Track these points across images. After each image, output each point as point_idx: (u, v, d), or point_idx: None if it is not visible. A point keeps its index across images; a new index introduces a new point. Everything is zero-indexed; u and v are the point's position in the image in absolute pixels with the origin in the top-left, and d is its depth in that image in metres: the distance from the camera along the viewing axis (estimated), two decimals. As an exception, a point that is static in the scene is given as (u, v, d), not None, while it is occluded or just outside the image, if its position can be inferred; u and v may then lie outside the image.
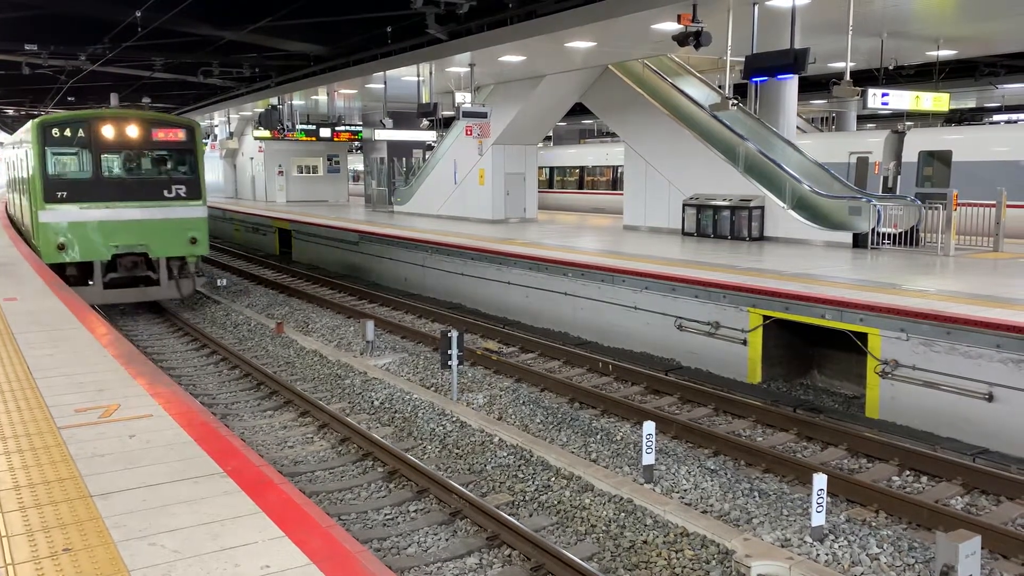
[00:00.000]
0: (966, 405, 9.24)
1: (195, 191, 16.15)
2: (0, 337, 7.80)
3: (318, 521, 3.86)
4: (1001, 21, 15.41)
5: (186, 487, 4.26)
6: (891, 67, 21.17)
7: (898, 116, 29.01)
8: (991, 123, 34.30)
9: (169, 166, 16.08)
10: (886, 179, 22.23)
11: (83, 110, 15.85)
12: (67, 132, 15.04)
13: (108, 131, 15.29)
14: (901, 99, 15.64)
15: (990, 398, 9.03)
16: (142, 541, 3.65)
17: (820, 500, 6.63)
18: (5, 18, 19.50)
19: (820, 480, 6.63)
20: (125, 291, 15.75)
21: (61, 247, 14.94)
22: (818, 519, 6.66)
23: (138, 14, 18.25)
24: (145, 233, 15.61)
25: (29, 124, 15.79)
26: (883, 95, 15.40)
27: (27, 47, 22.18)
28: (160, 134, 15.79)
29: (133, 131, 15.51)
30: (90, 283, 15.38)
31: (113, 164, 15.49)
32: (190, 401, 5.82)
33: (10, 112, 45.17)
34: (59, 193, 14.93)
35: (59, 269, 14.43)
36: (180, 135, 15.97)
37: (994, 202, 15.91)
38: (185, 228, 16.00)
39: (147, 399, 5.81)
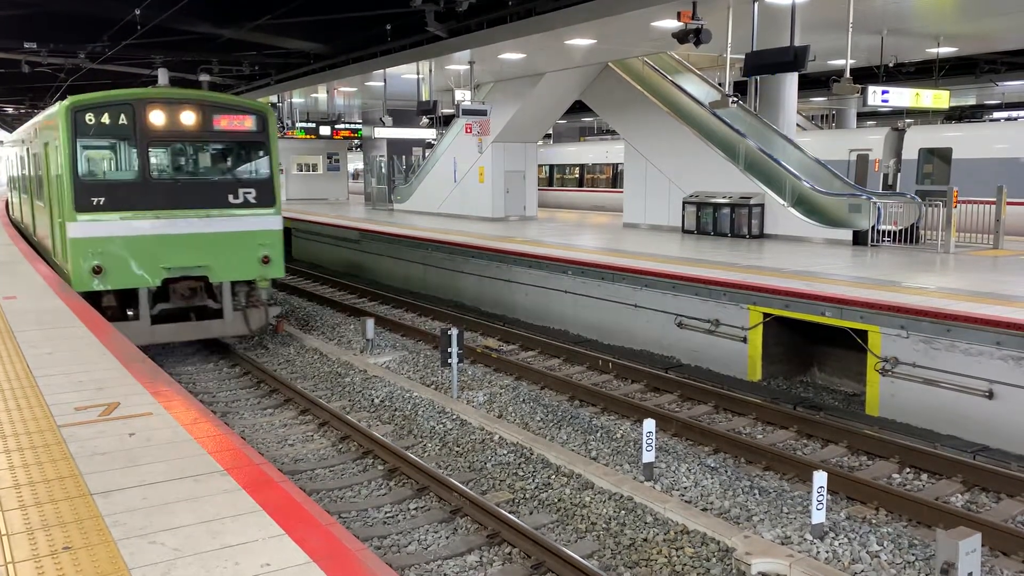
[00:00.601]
0: (966, 402, 9.24)
1: (268, 196, 12.75)
2: (0, 336, 7.79)
3: (318, 519, 3.86)
4: (1001, 18, 15.39)
5: (186, 485, 4.25)
6: (891, 64, 21.16)
7: (898, 113, 28.99)
8: (991, 120, 34.28)
9: (235, 164, 12.83)
10: (886, 176, 22.22)
11: (123, 89, 12.05)
12: (105, 118, 11.57)
13: (158, 117, 11.83)
14: (901, 96, 15.63)
15: (990, 395, 9.02)
16: (142, 539, 3.65)
17: (820, 498, 6.63)
18: (4, 16, 19.47)
19: (820, 478, 6.63)
20: (179, 327, 12.33)
21: (97, 270, 11.50)
22: (818, 517, 6.66)
23: (137, 12, 18.21)
24: (205, 251, 12.18)
25: (54, 108, 12.19)
26: (883, 92, 15.39)
27: (26, 45, 22.15)
28: (224, 122, 12.37)
29: (190, 118, 12.05)
30: (129, 312, 12.13)
31: (164, 161, 12.21)
32: (190, 399, 5.82)
33: (9, 110, 45.14)
34: (94, 199, 11.50)
35: (93, 298, 11.29)
36: (249, 123, 12.62)
37: (994, 199, 15.90)
38: (255, 243, 12.58)
39: (147, 397, 5.81)
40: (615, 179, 31.53)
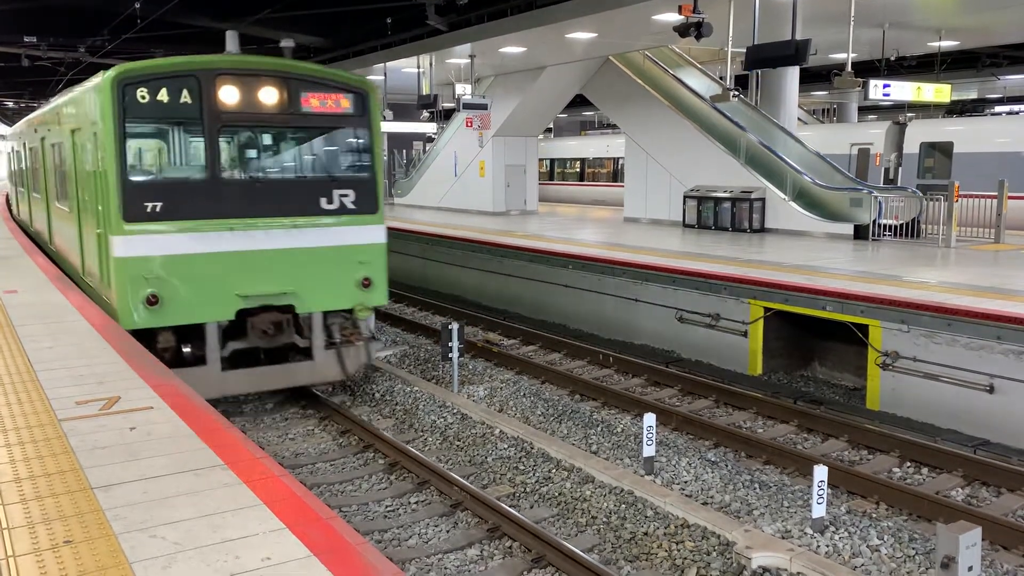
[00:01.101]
0: (967, 397, 9.24)
1: (369, 199, 10.00)
2: (0, 330, 7.80)
3: (319, 513, 3.86)
4: (1003, 11, 15.35)
5: (187, 479, 4.25)
6: (892, 58, 21.11)
7: (899, 107, 28.94)
8: (993, 114, 34.21)
9: (329, 157, 9.98)
10: (887, 170, 22.19)
11: (181, 57, 9.06)
12: (163, 95, 8.76)
13: (231, 94, 9.03)
14: (902, 90, 15.59)
15: (991, 390, 9.02)
16: (143, 533, 3.65)
17: (821, 492, 6.63)
18: (4, 9, 19.44)
19: (821, 472, 6.63)
20: (258, 374, 9.55)
21: (152, 301, 8.78)
22: (819, 511, 6.66)
23: (137, 5, 18.17)
24: (291, 273, 9.47)
25: (91, 84, 9.39)
26: (884, 86, 15.36)
27: (26, 39, 22.12)
28: (315, 101, 9.56)
29: (272, 95, 9.27)
30: (185, 348, 9.18)
31: (239, 153, 9.38)
32: (191, 393, 5.82)
33: (10, 104, 45.11)
34: (148, 205, 8.75)
35: (146, 337, 8.53)
36: (346, 103, 9.77)
37: (995, 194, 15.88)
38: (354, 262, 9.85)
39: (147, 391, 5.81)
40: (616, 173, 31.51)
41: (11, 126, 39.64)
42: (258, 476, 4.29)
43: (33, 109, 28.41)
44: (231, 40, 10.54)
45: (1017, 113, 34.47)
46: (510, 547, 6.72)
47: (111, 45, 22.76)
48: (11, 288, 10.28)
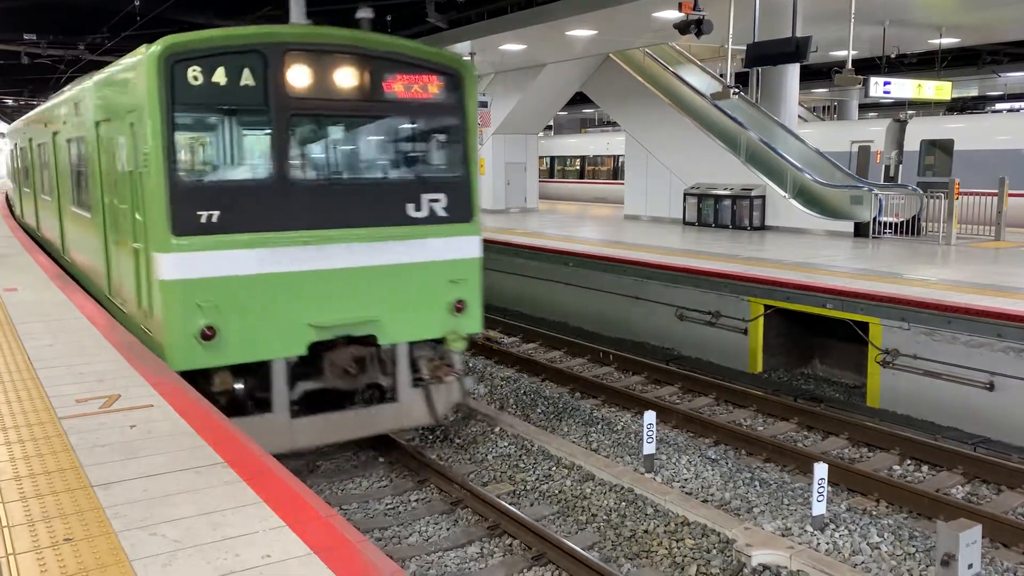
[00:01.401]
0: (967, 394, 9.23)
1: (463, 204, 8.27)
2: (0, 327, 7.80)
3: (319, 511, 3.86)
4: (1004, 8, 15.33)
5: (187, 477, 4.25)
6: (893, 55, 21.09)
7: (900, 105, 28.92)
8: (993, 112, 34.19)
9: (417, 153, 8.29)
10: (888, 168, 22.19)
11: (239, 28, 7.34)
12: (220, 76, 7.01)
13: (302, 75, 7.30)
14: (903, 87, 15.60)
15: (991, 387, 9.02)
16: (143, 531, 3.65)
17: (821, 489, 6.63)
18: (4, 7, 19.43)
19: (821, 469, 6.63)
20: (335, 420, 7.72)
21: (208, 335, 7.06)
22: (819, 508, 6.66)
23: (137, 3, 18.17)
24: (374, 296, 7.76)
25: (131, 61, 7.45)
26: (885, 83, 15.36)
27: (26, 36, 22.11)
28: (399, 84, 7.83)
29: (350, 77, 7.55)
30: (237, 385, 7.29)
31: (311, 149, 7.72)
32: (191, 391, 5.82)
33: (9, 102, 45.10)
34: (202, 214, 7.03)
35: (197, 379, 6.78)
36: (435, 86, 8.02)
37: (996, 191, 15.87)
38: (445, 281, 8.18)
39: (148, 389, 5.81)
40: (616, 171, 31.50)
41: (10, 124, 39.54)
42: (258, 474, 4.29)
43: (33, 107, 28.36)
44: (296, 4, 8.37)
45: (1018, 110, 34.46)
46: (510, 545, 6.72)
47: (111, 43, 22.75)
48: (11, 286, 10.28)
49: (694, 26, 12.97)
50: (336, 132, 7.79)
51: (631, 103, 21.26)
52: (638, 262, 13.52)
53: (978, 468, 8.10)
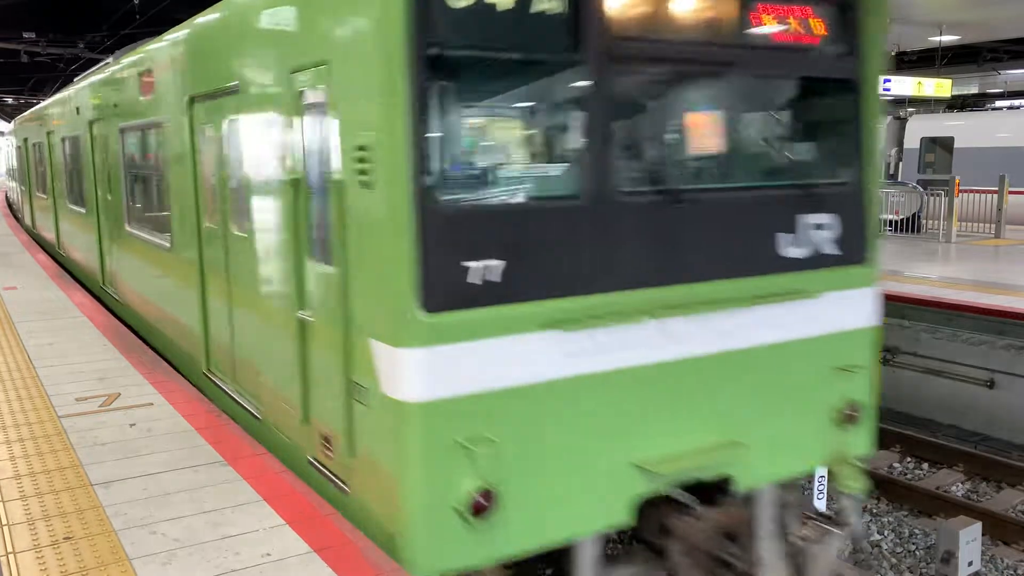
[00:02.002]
0: (967, 392, 9.23)
1: (855, 230, 4.77)
2: (1, 326, 7.79)
3: (319, 510, 3.86)
4: (1004, 6, 15.31)
5: (186, 476, 4.25)
6: (893, 53, 21.07)
7: (900, 102, 28.91)
8: (994, 109, 34.17)
9: (793, 139, 4.97)
10: (888, 165, 22.18)
11: None
12: (498, 7, 3.52)
13: (630, 3, 3.92)
14: (903, 85, 15.59)
15: (991, 385, 9.01)
16: (143, 530, 3.65)
17: (821, 487, 6.63)
18: (3, 5, 19.41)
19: (821, 467, 6.62)
20: None
21: (483, 505, 3.61)
22: (819, 506, 6.65)
23: (136, 1, 18.15)
24: (736, 404, 4.43)
25: None
26: (885, 81, 15.34)
27: (25, 35, 22.10)
28: (770, 18, 4.38)
29: (704, 5, 4.14)
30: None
31: (657, 132, 4.41)
32: (190, 390, 5.82)
33: (9, 100, 45.09)
34: (474, 267, 3.60)
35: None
36: (820, 28, 4.55)
37: (996, 189, 15.86)
38: (827, 368, 4.76)
39: (147, 388, 5.80)
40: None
41: (9, 122, 39.44)
42: (257, 472, 4.29)
43: (32, 105, 28.36)
44: None
45: (1018, 108, 34.44)
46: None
47: (110, 41, 22.74)
48: (11, 284, 10.28)
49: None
50: (682, 102, 4.50)
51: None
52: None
53: (978, 465, 8.10)
